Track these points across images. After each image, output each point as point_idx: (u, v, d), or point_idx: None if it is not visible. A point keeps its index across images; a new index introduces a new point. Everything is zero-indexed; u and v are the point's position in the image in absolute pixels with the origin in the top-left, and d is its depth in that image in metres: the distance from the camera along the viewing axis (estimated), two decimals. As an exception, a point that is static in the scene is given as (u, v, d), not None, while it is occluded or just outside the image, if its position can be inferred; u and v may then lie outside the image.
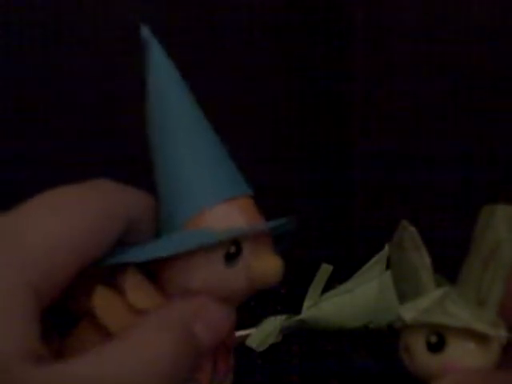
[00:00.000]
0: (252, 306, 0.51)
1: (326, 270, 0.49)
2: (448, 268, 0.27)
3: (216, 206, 0.24)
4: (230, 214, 0.24)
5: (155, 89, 0.25)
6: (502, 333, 0.25)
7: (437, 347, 0.25)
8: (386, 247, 0.47)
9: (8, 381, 0.19)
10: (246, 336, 0.47)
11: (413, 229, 0.27)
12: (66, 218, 0.21)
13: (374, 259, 0.48)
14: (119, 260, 0.23)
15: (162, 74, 0.25)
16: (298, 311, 0.48)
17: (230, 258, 0.24)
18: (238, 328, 0.47)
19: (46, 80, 0.53)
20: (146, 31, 0.25)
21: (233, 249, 0.24)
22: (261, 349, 0.47)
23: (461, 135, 0.54)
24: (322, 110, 0.55)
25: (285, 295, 0.53)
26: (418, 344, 0.26)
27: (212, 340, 0.23)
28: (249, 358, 0.46)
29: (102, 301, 0.23)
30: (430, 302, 0.26)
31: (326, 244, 0.55)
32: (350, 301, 0.47)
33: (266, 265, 0.25)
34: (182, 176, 0.24)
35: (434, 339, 0.25)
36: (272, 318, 0.48)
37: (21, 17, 0.53)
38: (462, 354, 0.25)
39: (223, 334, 0.24)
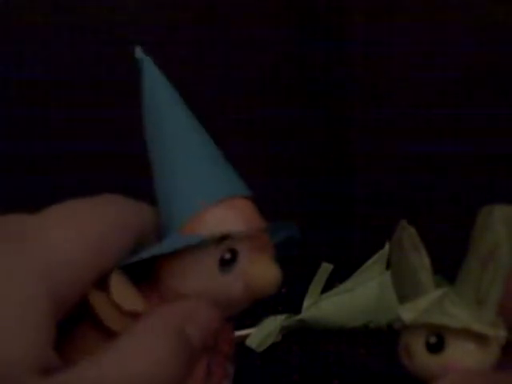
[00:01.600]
0: (252, 306, 0.51)
1: (325, 269, 0.49)
2: (447, 268, 0.27)
3: (211, 207, 0.24)
4: (225, 214, 0.24)
5: (151, 103, 0.25)
6: (502, 333, 0.25)
7: (436, 348, 0.25)
8: (386, 246, 0.47)
9: None
10: (246, 336, 0.47)
11: (412, 229, 0.27)
12: (83, 230, 0.22)
13: (373, 258, 0.48)
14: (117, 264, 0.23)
15: (156, 89, 0.26)
16: (298, 311, 0.48)
17: (225, 265, 0.24)
18: (238, 328, 0.48)
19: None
20: (139, 52, 0.26)
21: (227, 255, 0.24)
22: (261, 349, 0.47)
23: (461, 135, 0.54)
24: (322, 111, 0.55)
25: (285, 295, 0.53)
26: (417, 344, 0.26)
27: (202, 341, 0.23)
28: (249, 358, 0.46)
29: (99, 299, 0.23)
30: (430, 303, 0.26)
31: (326, 243, 0.55)
32: (350, 300, 0.47)
33: (262, 273, 0.24)
34: (177, 180, 0.24)
35: (433, 340, 0.25)
36: (272, 318, 0.48)
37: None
38: (462, 355, 0.25)
39: (212, 334, 0.24)
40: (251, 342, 0.47)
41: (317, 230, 0.55)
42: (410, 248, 0.27)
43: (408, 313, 0.26)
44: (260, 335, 0.47)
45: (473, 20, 0.52)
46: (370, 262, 0.48)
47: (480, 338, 0.25)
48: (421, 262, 0.27)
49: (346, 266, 0.49)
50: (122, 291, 0.23)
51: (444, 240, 0.49)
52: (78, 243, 0.21)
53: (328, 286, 0.49)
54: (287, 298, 0.52)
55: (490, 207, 0.25)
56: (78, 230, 0.22)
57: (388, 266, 0.46)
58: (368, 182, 0.55)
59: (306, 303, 0.48)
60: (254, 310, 0.50)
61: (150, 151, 0.25)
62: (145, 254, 0.23)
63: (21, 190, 0.52)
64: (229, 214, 0.24)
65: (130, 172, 0.47)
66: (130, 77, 0.28)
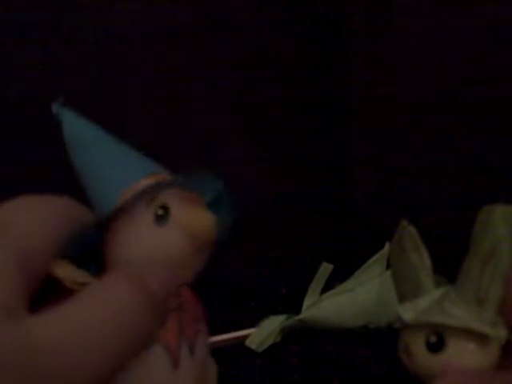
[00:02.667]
0: (252, 306, 0.51)
1: (325, 269, 0.49)
2: (448, 268, 0.27)
3: (135, 183, 0.26)
4: (148, 182, 0.26)
5: (73, 142, 0.28)
6: (502, 333, 0.25)
7: (436, 347, 0.25)
8: (386, 246, 0.47)
9: None
10: (246, 336, 0.47)
11: (412, 228, 0.27)
12: (38, 212, 0.25)
13: (373, 258, 0.48)
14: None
15: (76, 132, 0.28)
16: (298, 311, 0.48)
17: (160, 220, 0.26)
18: (238, 328, 0.48)
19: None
20: (55, 107, 0.28)
21: (160, 211, 0.26)
22: (261, 349, 0.47)
23: (461, 135, 0.54)
24: (323, 110, 0.55)
25: (285, 295, 0.53)
26: (417, 344, 0.26)
27: (163, 296, 0.24)
28: (249, 358, 0.46)
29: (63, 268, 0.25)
30: (430, 302, 0.26)
31: (326, 243, 0.55)
32: (350, 300, 0.47)
33: (196, 218, 0.26)
34: (100, 173, 0.27)
35: (433, 339, 0.25)
36: (272, 318, 0.48)
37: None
38: (462, 354, 0.25)
39: (172, 292, 0.25)
40: (251, 342, 0.47)
41: (317, 230, 0.55)
42: (411, 248, 0.27)
43: (408, 312, 0.26)
44: (260, 335, 0.47)
45: (473, 20, 0.52)
46: (370, 262, 0.48)
47: (480, 338, 0.25)
48: (421, 261, 0.27)
49: (346, 266, 0.49)
50: (66, 268, 0.25)
51: (444, 240, 0.49)
52: (36, 222, 0.25)
53: (328, 286, 0.49)
54: (287, 297, 0.52)
55: (490, 207, 0.25)
56: (34, 212, 0.25)
57: (388, 266, 0.47)
58: (368, 182, 0.55)
59: (305, 303, 0.48)
60: (254, 310, 0.50)
61: (77, 169, 0.28)
62: (81, 230, 0.25)
63: None
64: (151, 181, 0.26)
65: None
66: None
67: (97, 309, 0.22)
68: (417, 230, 0.27)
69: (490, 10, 0.52)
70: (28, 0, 0.52)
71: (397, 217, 0.28)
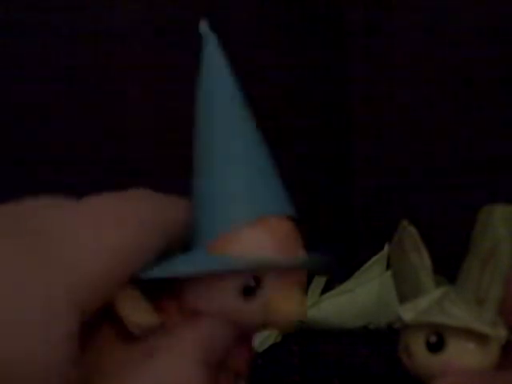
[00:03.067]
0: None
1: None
2: (448, 268, 0.27)
3: (247, 226, 0.23)
4: (259, 238, 0.23)
5: (205, 87, 0.25)
6: (502, 333, 0.25)
7: (436, 347, 0.25)
8: (386, 247, 0.48)
9: None
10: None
11: (413, 229, 0.27)
12: (105, 233, 0.21)
13: (373, 259, 0.48)
14: (143, 276, 0.22)
15: (213, 72, 0.25)
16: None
17: (248, 292, 0.23)
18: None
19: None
20: (204, 27, 0.24)
21: (252, 282, 0.23)
22: (261, 349, 0.47)
23: (461, 136, 0.54)
24: (323, 110, 0.55)
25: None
26: (417, 344, 0.26)
27: (217, 361, 0.23)
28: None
29: (125, 305, 0.22)
30: (430, 302, 0.26)
31: (327, 243, 0.55)
32: (350, 301, 0.47)
33: (283, 308, 0.23)
34: (218, 188, 0.23)
35: (433, 339, 0.25)
36: (272, 318, 0.48)
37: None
38: (462, 354, 0.25)
39: (225, 351, 0.24)
40: (251, 342, 0.47)
41: (317, 230, 0.55)
42: (411, 248, 0.27)
43: (408, 312, 0.26)
44: (260, 335, 0.47)
45: (473, 20, 0.52)
46: (370, 262, 0.48)
47: (480, 338, 0.25)
48: (421, 261, 0.27)
49: (346, 266, 0.49)
50: (132, 307, 0.22)
51: (444, 240, 0.49)
52: (100, 251, 0.20)
53: (328, 286, 0.49)
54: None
55: (490, 207, 0.25)
56: (101, 236, 0.20)
57: (388, 266, 0.47)
58: (368, 182, 0.55)
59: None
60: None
61: (196, 146, 0.24)
62: (169, 273, 0.23)
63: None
64: (261, 236, 0.23)
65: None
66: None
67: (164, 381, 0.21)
68: (417, 230, 0.27)
69: (490, 10, 0.52)
70: (28, 0, 0.52)
71: (397, 217, 0.28)
